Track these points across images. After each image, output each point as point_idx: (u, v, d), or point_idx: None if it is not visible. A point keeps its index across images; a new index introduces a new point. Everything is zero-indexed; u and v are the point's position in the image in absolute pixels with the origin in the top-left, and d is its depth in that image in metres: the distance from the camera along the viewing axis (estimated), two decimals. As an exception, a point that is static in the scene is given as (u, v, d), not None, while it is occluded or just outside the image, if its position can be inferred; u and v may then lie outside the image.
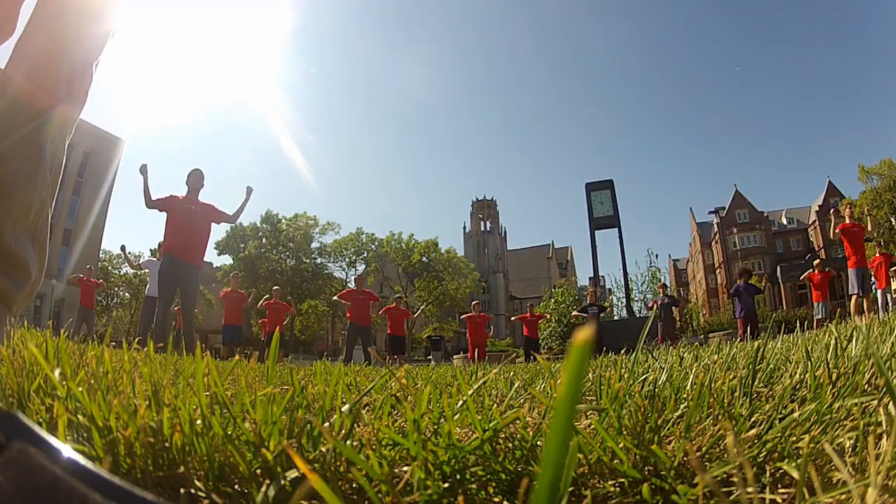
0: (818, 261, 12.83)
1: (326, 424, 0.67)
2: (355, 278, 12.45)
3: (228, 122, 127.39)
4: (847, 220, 10.71)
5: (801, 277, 12.91)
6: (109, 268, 51.23)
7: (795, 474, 0.54)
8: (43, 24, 1.47)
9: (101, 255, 47.39)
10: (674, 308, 13.87)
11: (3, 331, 1.33)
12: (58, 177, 1.54)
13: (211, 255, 60.98)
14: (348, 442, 0.64)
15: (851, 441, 0.69)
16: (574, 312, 15.00)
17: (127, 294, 51.63)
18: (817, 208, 56.62)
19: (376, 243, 59.62)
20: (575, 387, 0.22)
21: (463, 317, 14.62)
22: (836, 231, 10.61)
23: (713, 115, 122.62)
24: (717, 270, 62.41)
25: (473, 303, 14.99)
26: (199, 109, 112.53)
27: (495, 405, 0.96)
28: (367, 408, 1.04)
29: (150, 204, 6.74)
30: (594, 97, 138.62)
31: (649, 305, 14.14)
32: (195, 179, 6.99)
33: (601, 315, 14.51)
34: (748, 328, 11.70)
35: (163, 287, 6.62)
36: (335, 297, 11.93)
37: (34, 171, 1.42)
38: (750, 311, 12.40)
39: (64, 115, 1.49)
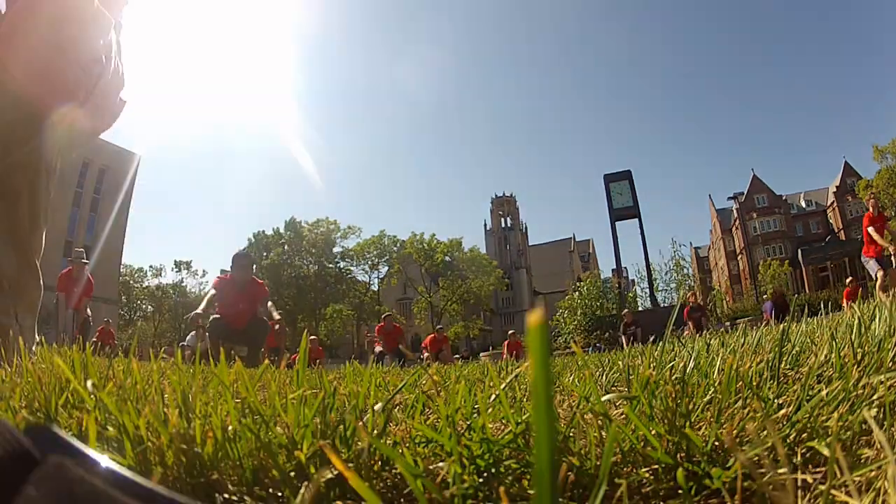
0: (850, 279, 13.28)
1: (360, 423, 0.67)
2: (384, 317, 13.20)
3: (242, 131, 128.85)
4: (871, 210, 10.51)
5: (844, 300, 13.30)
6: (131, 282, 52.09)
7: (826, 452, 0.54)
8: (37, 30, 1.54)
9: (121, 270, 47.92)
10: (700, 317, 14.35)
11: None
12: (53, 184, 1.70)
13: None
14: (382, 440, 0.64)
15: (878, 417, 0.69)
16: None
17: (150, 307, 52.40)
18: (835, 189, 55.95)
19: (398, 245, 59.74)
20: (544, 365, 0.22)
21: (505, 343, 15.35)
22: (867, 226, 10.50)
23: (728, 100, 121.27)
24: (739, 256, 61.73)
25: (510, 332, 15.25)
26: (210, 120, 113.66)
27: (526, 399, 0.96)
28: (398, 406, 1.05)
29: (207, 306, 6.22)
30: (609, 88, 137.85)
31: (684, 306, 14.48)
32: (241, 271, 6.39)
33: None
34: (773, 312, 11.97)
35: (211, 336, 6.06)
36: (369, 336, 12.67)
37: (38, 182, 1.62)
38: (780, 308, 12.93)
39: (72, 120, 1.64)
